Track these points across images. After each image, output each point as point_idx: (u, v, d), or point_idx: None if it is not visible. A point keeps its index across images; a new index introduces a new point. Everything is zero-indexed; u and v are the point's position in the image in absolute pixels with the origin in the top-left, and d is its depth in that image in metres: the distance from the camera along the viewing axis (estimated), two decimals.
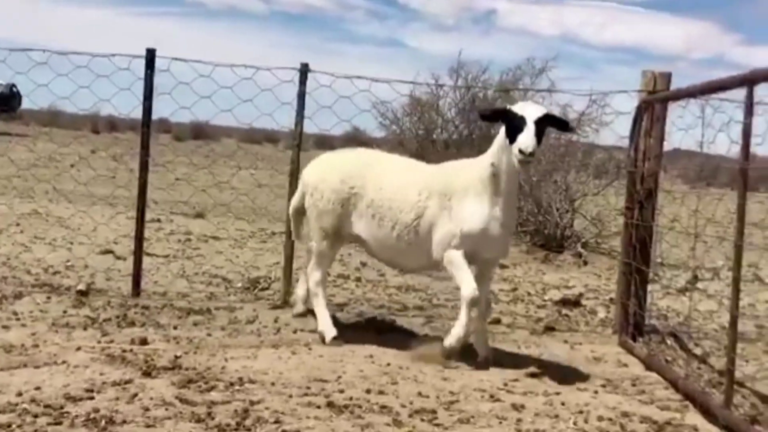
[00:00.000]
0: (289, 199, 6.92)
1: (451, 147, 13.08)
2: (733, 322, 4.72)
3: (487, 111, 6.08)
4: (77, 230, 10.57)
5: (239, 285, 7.91)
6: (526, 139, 5.39)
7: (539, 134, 5.48)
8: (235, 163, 21.16)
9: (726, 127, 5.01)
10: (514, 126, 5.50)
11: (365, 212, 6.15)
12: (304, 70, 6.95)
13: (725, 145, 4.69)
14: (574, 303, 8.29)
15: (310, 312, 6.74)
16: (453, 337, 5.75)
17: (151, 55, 6.80)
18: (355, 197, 6.18)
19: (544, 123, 5.58)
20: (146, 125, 7.05)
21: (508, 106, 5.70)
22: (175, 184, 16.95)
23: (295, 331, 6.46)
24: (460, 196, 5.83)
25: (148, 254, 9.13)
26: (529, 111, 5.55)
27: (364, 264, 9.44)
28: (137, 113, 7.16)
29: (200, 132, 48.65)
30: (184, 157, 24.69)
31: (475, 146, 12.81)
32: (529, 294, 8.83)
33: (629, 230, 6.80)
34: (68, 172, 15.14)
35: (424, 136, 13.40)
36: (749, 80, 4.57)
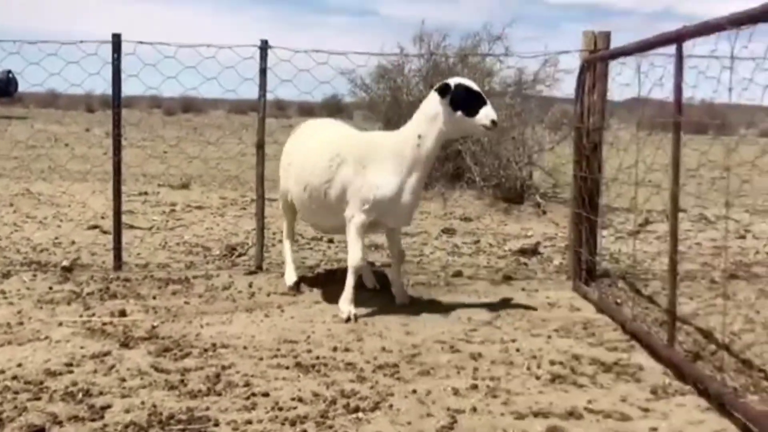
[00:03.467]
0: (258, 168, 6.81)
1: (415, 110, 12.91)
2: (673, 266, 4.66)
3: (442, 86, 5.76)
4: (68, 207, 10.39)
5: (217, 253, 7.78)
6: (492, 110, 5.66)
7: None
8: (221, 134, 21.09)
9: (660, 82, 4.89)
10: (472, 100, 5.64)
11: (292, 175, 6.30)
12: (264, 47, 6.76)
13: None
14: (532, 252, 8.21)
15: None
16: (344, 300, 5.83)
17: (117, 40, 6.58)
18: (290, 165, 6.38)
19: None
20: (117, 106, 6.83)
21: (459, 82, 5.74)
22: (163, 157, 16.78)
23: (268, 294, 6.36)
24: (378, 164, 5.77)
25: (132, 227, 9.01)
26: (476, 87, 5.79)
27: None
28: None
29: (189, 105, 48.17)
30: (173, 131, 24.59)
31: None
32: (490, 245, 8.74)
33: (578, 182, 6.70)
34: (62, 150, 14.99)
35: (392, 100, 13.20)
36: (677, 38, 4.45)
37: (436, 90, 5.73)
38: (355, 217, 5.79)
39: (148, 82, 6.95)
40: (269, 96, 6.93)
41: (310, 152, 6.12)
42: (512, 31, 14.82)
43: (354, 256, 5.83)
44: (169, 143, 19.73)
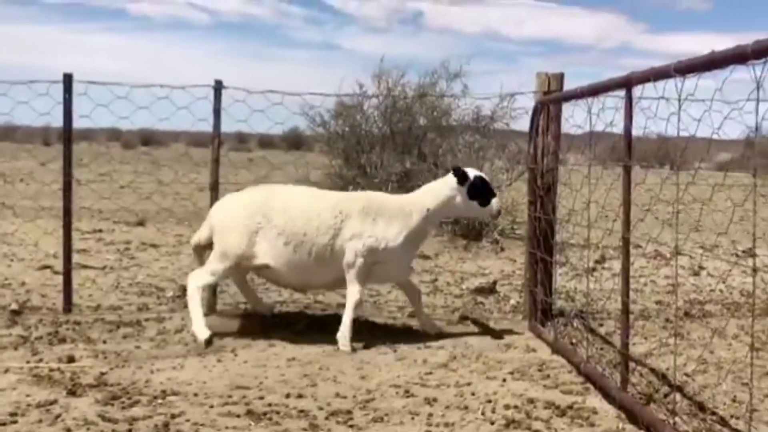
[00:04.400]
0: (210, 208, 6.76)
1: (375, 146, 12.97)
2: (625, 308, 4.68)
3: (456, 173, 6.39)
4: (19, 246, 10.19)
5: (170, 294, 7.67)
6: (499, 201, 6.61)
7: None
8: (179, 168, 20.95)
9: (611, 125, 4.95)
10: (487, 192, 6.45)
11: (276, 241, 6.18)
12: (218, 87, 6.73)
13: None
14: (489, 290, 8.22)
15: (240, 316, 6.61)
16: (342, 337, 6.06)
17: (68, 80, 6.51)
18: (263, 230, 6.21)
19: None
20: (68, 147, 6.74)
21: (477, 174, 6.49)
22: (119, 193, 16.58)
23: (221, 338, 6.25)
24: (386, 220, 6.22)
25: (85, 266, 8.87)
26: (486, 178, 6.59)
27: None
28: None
29: (149, 138, 47.86)
30: (129, 166, 24.37)
31: (397, 145, 12.77)
32: (448, 284, 8.74)
33: (533, 222, 6.73)
34: (17, 186, 14.78)
35: (350, 136, 13.23)
36: (626, 83, 4.51)
37: (455, 176, 6.34)
38: (357, 260, 6.13)
39: (100, 122, 6.87)
40: (230, 129, 6.92)
41: (308, 212, 6.21)
42: (471, 66, 15.04)
43: (354, 295, 6.16)
44: (127, 179, 19.61)
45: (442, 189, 6.39)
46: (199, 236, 6.57)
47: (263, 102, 6.77)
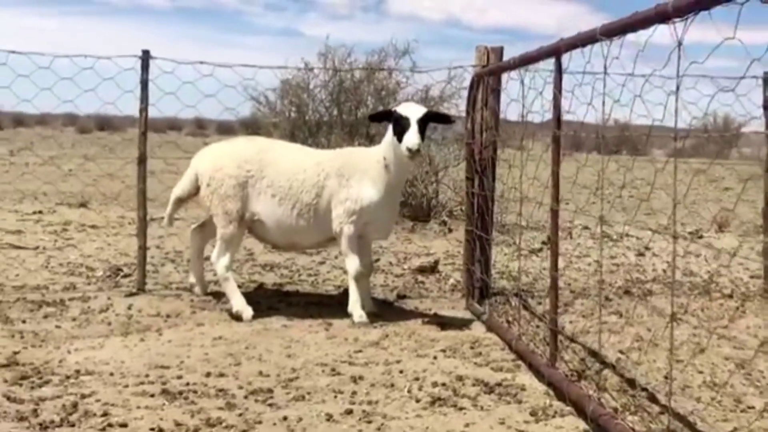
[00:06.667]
0: (139, 185, 6.53)
1: (322, 127, 12.75)
2: (554, 283, 4.58)
3: (375, 113, 6.33)
4: None
5: (100, 274, 7.42)
6: (412, 137, 5.76)
7: (422, 131, 5.85)
8: (129, 153, 20.48)
9: (541, 96, 4.83)
10: (401, 126, 5.83)
11: (264, 193, 6.16)
12: (146, 58, 6.48)
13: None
14: (431, 269, 8.10)
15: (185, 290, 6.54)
16: (353, 309, 6.09)
17: None
18: (252, 180, 6.17)
19: (426, 120, 5.94)
20: None
21: (393, 108, 6.08)
22: (66, 176, 16.25)
23: (149, 317, 6.06)
24: (359, 177, 6.09)
25: (18, 247, 8.59)
26: (412, 111, 5.91)
27: None
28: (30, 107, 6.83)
29: (107, 123, 47.10)
30: (84, 149, 23.86)
31: (345, 126, 12.56)
32: (390, 264, 8.59)
33: (470, 199, 6.61)
34: None
35: (297, 117, 12.99)
36: (555, 51, 4.39)
37: (385, 116, 6.11)
38: (344, 228, 6.08)
39: (22, 94, 6.56)
40: (190, 114, 6.73)
41: (296, 167, 6.17)
42: (432, 53, 14.88)
43: (352, 265, 6.11)
44: (76, 161, 19.17)
45: (388, 133, 6.07)
46: (182, 189, 6.50)
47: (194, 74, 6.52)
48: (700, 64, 3.11)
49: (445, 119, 6.53)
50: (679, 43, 3.09)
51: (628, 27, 3.54)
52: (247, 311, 6.07)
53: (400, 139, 5.81)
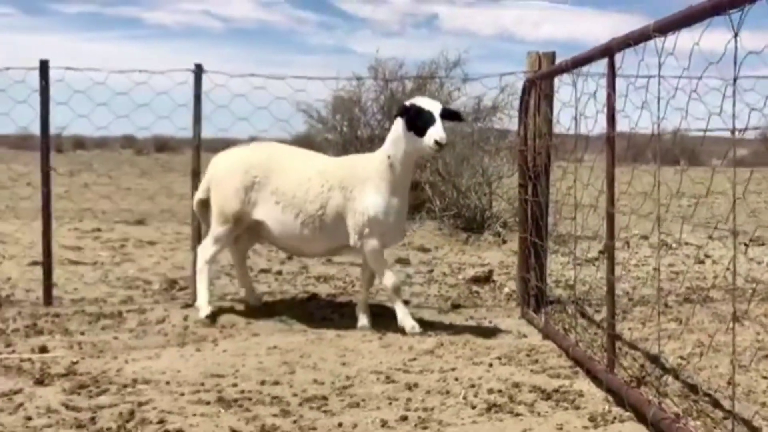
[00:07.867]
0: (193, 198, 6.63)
1: (374, 141, 12.77)
2: (611, 288, 4.48)
3: (398, 109, 6.04)
4: (15, 244, 10.07)
5: (157, 287, 7.52)
6: (440, 130, 5.63)
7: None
8: (185, 171, 20.80)
9: (594, 99, 4.75)
10: (422, 119, 5.69)
11: (269, 199, 6.15)
12: (198, 72, 6.56)
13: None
14: (485, 279, 8.03)
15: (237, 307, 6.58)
16: (404, 321, 6.02)
17: (44, 66, 6.37)
18: (258, 185, 6.17)
19: (444, 116, 5.80)
20: (45, 136, 6.59)
21: (413, 102, 5.86)
22: (125, 194, 16.54)
23: (204, 329, 6.10)
24: (361, 188, 5.95)
25: (76, 263, 8.75)
26: (434, 105, 5.79)
27: (289, 258, 9.07)
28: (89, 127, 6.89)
29: (163, 145, 47.85)
30: (140, 170, 24.29)
31: None
32: (444, 274, 8.55)
33: (524, 206, 6.54)
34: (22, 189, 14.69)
35: (349, 131, 13.05)
36: (607, 50, 4.33)
37: (397, 111, 5.93)
38: (364, 245, 5.99)
39: (78, 109, 6.67)
40: (245, 133, 6.81)
41: (299, 178, 6.12)
42: (485, 66, 14.86)
43: (388, 280, 6.07)
44: (133, 181, 19.54)
45: (393, 130, 5.95)
46: (201, 191, 6.58)
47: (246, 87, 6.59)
48: (757, 54, 3.01)
49: (457, 116, 6.27)
50: (736, 34, 3.01)
51: (683, 21, 3.47)
52: (205, 310, 6.19)
53: (420, 134, 5.69)
